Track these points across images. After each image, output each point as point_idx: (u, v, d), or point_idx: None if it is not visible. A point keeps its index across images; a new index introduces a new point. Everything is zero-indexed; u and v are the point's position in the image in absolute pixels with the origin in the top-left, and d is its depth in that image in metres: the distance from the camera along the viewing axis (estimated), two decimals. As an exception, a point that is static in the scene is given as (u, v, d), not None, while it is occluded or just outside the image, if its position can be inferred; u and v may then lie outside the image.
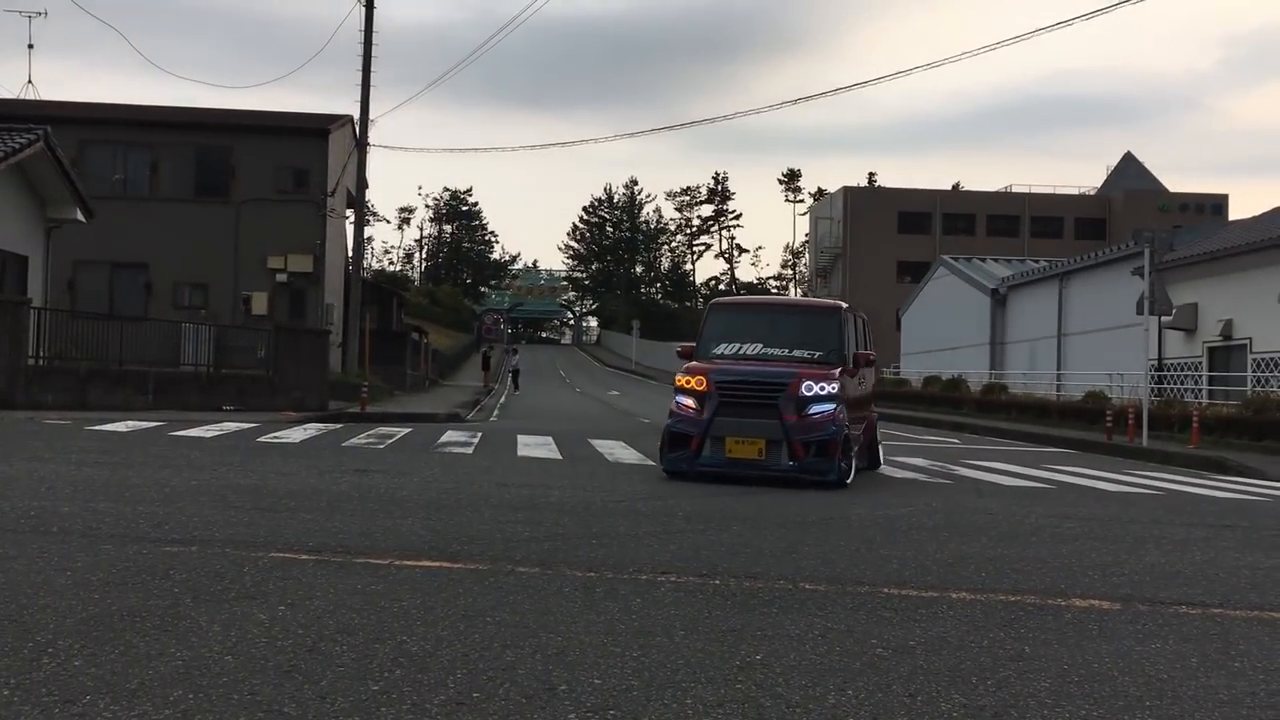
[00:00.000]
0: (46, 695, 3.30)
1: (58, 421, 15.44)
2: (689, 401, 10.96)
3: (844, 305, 12.31)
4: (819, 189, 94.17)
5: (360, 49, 30.69)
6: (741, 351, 11.51)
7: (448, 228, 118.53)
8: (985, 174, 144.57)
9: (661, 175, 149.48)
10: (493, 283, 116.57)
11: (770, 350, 11.46)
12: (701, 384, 10.94)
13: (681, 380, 11.16)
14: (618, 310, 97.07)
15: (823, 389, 10.71)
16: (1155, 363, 27.43)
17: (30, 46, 47.26)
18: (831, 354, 11.40)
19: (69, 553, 5.55)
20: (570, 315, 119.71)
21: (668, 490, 9.93)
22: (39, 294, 21.34)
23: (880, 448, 13.62)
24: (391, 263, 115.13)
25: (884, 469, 13.53)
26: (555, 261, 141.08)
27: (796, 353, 11.38)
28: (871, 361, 12.14)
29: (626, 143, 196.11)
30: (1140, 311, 19.60)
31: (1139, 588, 5.96)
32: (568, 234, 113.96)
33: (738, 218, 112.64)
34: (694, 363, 11.45)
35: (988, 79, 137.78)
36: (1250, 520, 9.61)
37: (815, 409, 10.63)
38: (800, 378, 10.72)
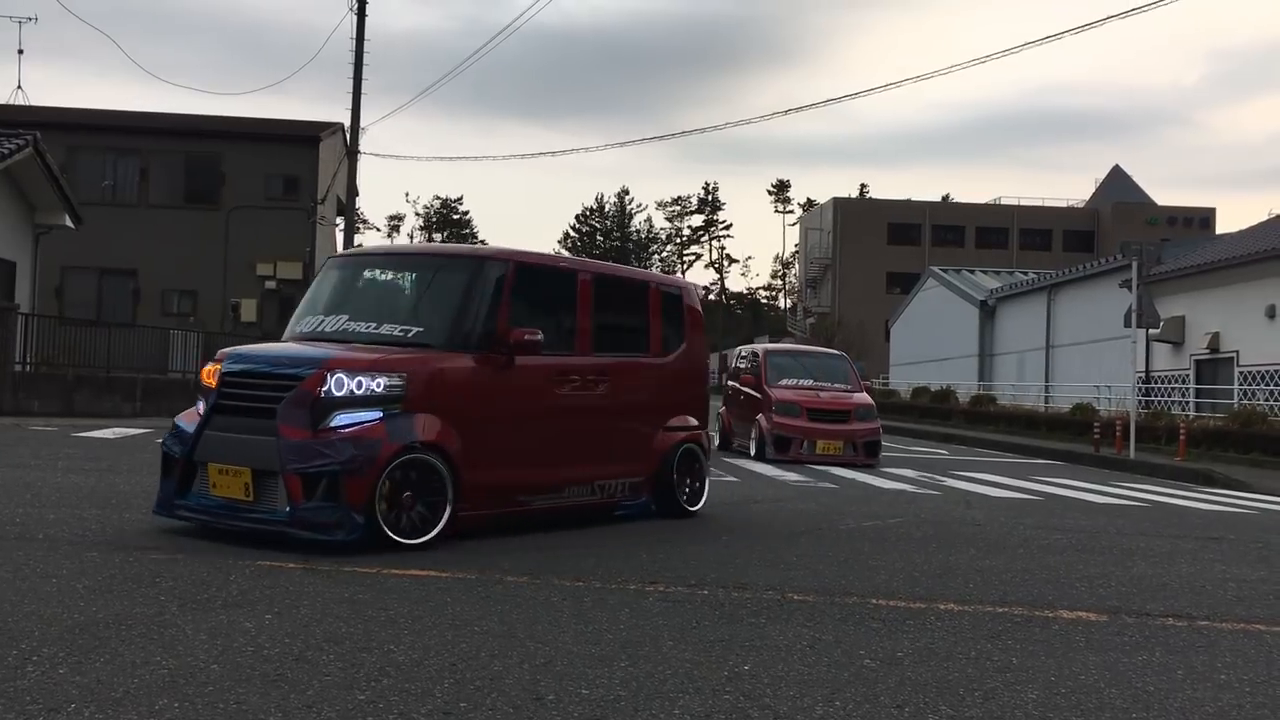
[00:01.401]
0: (31, 703, 3.29)
1: (44, 428, 15.37)
2: (203, 406, 7.00)
3: (499, 256, 7.60)
4: (808, 199, 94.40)
5: (352, 57, 30.73)
6: (320, 328, 7.49)
7: (438, 236, 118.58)
8: (975, 186, 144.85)
9: (652, 185, 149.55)
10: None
11: (355, 325, 7.36)
12: (212, 377, 6.99)
13: (205, 372, 7.21)
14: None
15: (360, 386, 6.49)
16: (1143, 375, 27.52)
17: (20, 51, 47.24)
18: (441, 330, 7.15)
19: (55, 560, 5.52)
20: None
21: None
22: (26, 300, 21.27)
23: (708, 482, 9.22)
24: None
25: (874, 479, 13.54)
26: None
27: (386, 328, 7.25)
28: (530, 343, 7.19)
29: (617, 152, 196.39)
30: (1128, 324, 19.67)
31: (1126, 600, 5.97)
32: (558, 243, 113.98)
33: (728, 228, 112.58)
34: (238, 347, 7.59)
35: (977, 92, 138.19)
36: (1237, 533, 9.64)
37: (343, 419, 6.41)
38: (329, 367, 6.53)
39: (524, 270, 7.61)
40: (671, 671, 3.98)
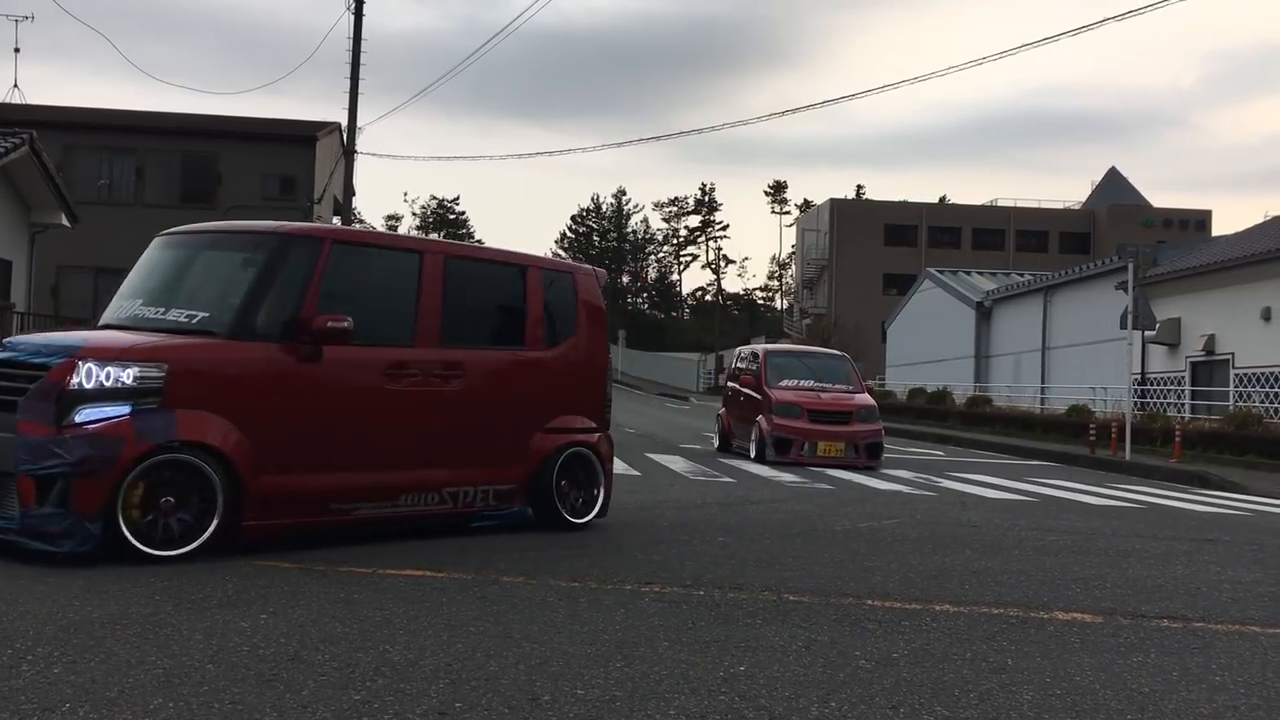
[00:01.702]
0: (25, 703, 3.28)
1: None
2: None
3: (307, 233, 6.89)
4: (805, 200, 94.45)
5: (349, 56, 30.70)
6: (117, 314, 6.87)
7: (435, 236, 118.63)
8: (971, 187, 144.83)
9: (649, 185, 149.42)
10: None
11: (146, 310, 6.64)
12: None
13: None
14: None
15: (109, 377, 5.75)
16: (1138, 377, 27.55)
17: (17, 50, 47.16)
18: (227, 315, 6.35)
19: (50, 559, 5.51)
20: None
21: (650, 500, 9.93)
22: (22, 299, 21.25)
23: (602, 491, 8.05)
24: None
25: (870, 480, 13.54)
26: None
27: (173, 314, 6.47)
28: (334, 331, 6.32)
29: (614, 153, 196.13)
30: (1124, 326, 19.70)
31: (1121, 601, 5.98)
32: (555, 243, 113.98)
33: (725, 228, 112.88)
34: (23, 335, 6.64)
35: (974, 93, 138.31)
36: (1232, 535, 9.66)
37: (88, 415, 5.68)
38: (80, 356, 5.81)
39: (344, 250, 6.79)
40: (667, 672, 3.98)
